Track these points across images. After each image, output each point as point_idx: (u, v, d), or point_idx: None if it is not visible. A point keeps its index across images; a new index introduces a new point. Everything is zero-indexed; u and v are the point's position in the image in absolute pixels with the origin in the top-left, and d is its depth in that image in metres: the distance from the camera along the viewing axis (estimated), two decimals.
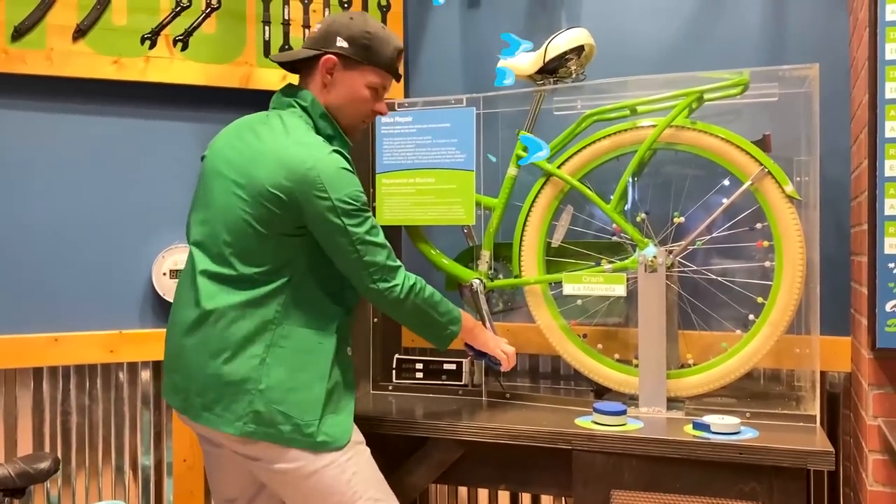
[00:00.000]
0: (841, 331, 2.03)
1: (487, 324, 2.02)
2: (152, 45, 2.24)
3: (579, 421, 1.84)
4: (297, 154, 1.59)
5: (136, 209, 2.29)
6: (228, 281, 1.61)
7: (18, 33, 2.13)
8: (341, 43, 1.65)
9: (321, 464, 1.59)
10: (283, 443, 1.58)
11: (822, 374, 2.03)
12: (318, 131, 1.67)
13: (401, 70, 1.79)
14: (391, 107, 2.15)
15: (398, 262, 1.66)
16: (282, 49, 2.35)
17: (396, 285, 1.63)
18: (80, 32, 2.18)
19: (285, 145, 1.61)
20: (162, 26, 2.25)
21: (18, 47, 2.13)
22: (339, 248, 1.60)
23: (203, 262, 1.64)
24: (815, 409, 1.79)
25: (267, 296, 1.60)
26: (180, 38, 2.27)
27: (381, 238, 1.64)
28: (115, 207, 2.27)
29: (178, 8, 2.26)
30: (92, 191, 2.25)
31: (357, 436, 1.68)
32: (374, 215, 2.11)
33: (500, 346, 1.88)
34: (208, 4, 2.29)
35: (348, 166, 1.62)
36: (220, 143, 1.74)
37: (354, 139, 1.76)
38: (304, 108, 1.68)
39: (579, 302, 2.07)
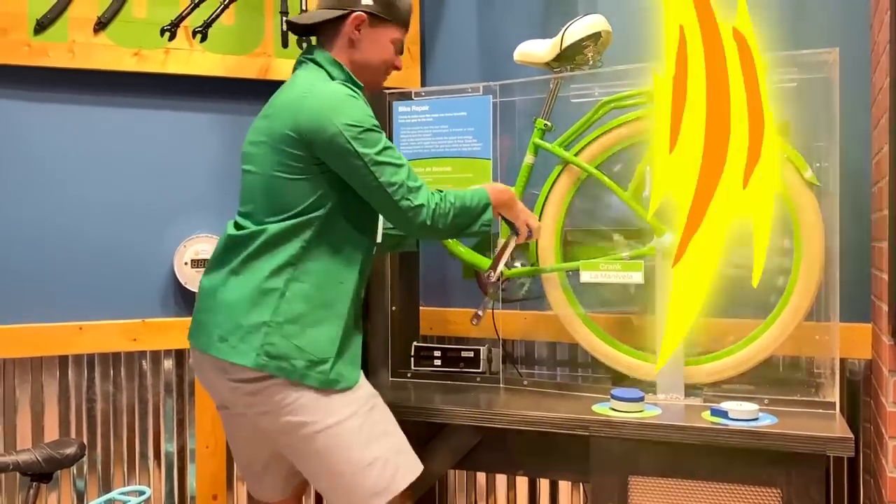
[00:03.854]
0: (861, 318, 2.01)
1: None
2: (172, 37, 2.27)
3: (597, 408, 1.84)
4: (300, 92, 1.64)
5: (158, 199, 2.32)
6: (256, 224, 1.65)
7: (41, 27, 2.16)
8: (367, 0, 1.69)
9: (333, 420, 1.59)
10: (296, 377, 1.58)
11: (842, 361, 2.01)
12: (331, 78, 1.69)
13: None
14: (408, 96, 2.17)
15: (420, 182, 1.64)
16: (300, 40, 2.36)
17: (421, 206, 1.61)
18: (100, 25, 2.21)
19: (292, 90, 1.67)
20: (181, 18, 2.27)
21: (41, 40, 2.16)
22: (356, 173, 1.59)
23: (235, 226, 1.70)
24: (834, 395, 1.79)
25: (293, 231, 1.62)
26: (199, 29, 2.29)
27: (397, 157, 1.63)
28: (136, 198, 2.30)
29: (198, 0, 2.28)
30: (114, 182, 2.28)
31: (368, 388, 1.70)
32: None
33: (527, 219, 1.84)
34: None
35: (353, 93, 1.63)
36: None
37: (375, 91, 1.79)
38: (314, 62, 1.72)
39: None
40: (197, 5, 2.28)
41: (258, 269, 1.62)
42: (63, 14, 2.18)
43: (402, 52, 1.80)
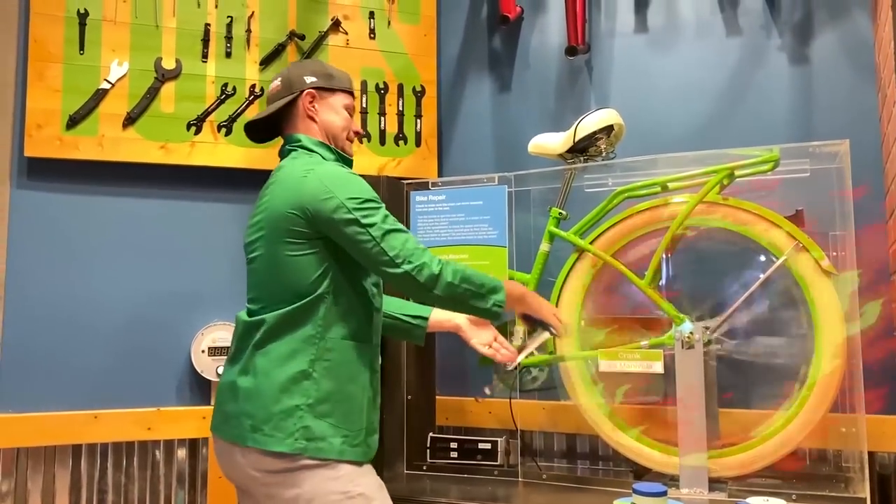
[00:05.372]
0: (889, 409, 1.97)
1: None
2: (198, 131, 2.35)
3: (618, 502, 1.79)
4: (297, 173, 1.69)
5: (178, 287, 2.34)
6: (266, 309, 1.67)
7: (73, 122, 2.25)
8: (310, 79, 1.80)
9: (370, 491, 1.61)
10: (335, 455, 1.59)
11: (871, 454, 1.95)
12: (324, 160, 1.75)
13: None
14: (425, 186, 2.21)
15: (423, 247, 1.66)
16: None
17: (424, 264, 1.63)
18: (129, 120, 2.30)
19: (289, 174, 1.71)
20: (207, 113, 2.36)
21: (72, 134, 2.25)
22: (358, 242, 1.62)
23: (246, 312, 1.72)
24: (864, 491, 1.73)
25: (306, 310, 1.64)
26: (224, 123, 2.37)
27: (399, 224, 1.66)
28: (157, 286, 2.33)
29: (223, 96, 2.38)
30: (136, 270, 2.32)
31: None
32: None
33: (553, 311, 1.85)
34: (251, 92, 2.40)
35: (350, 171, 1.70)
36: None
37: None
38: (301, 146, 1.78)
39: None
40: (223, 101, 2.37)
41: (280, 353, 1.63)
42: (95, 110, 2.27)
43: (352, 118, 1.86)
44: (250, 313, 1.71)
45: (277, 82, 1.83)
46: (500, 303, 1.70)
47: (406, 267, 1.62)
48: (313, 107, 1.79)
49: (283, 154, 1.82)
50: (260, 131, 1.86)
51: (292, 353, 1.62)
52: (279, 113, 1.80)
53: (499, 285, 1.72)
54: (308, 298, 1.64)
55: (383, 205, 1.67)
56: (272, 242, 1.67)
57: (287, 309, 1.64)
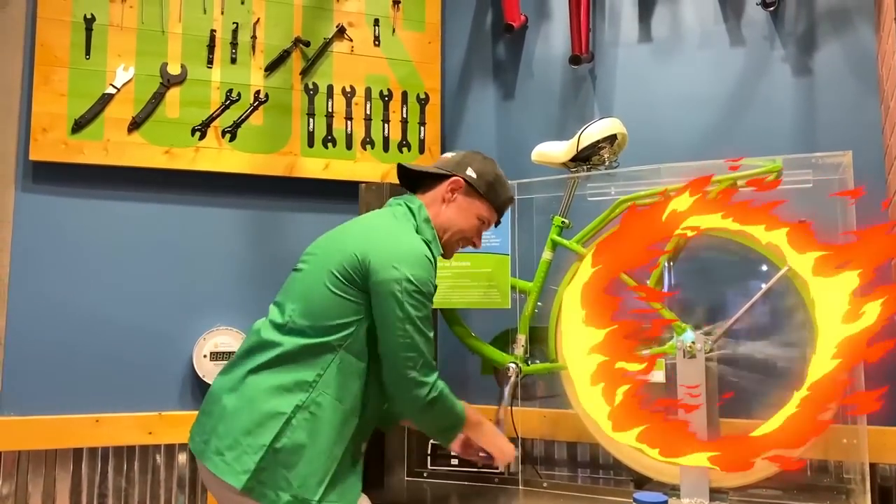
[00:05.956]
0: (890, 421, 1.96)
1: (501, 412, 1.99)
2: (202, 136, 2.36)
3: None
4: (387, 229, 1.70)
5: (181, 292, 2.35)
6: (282, 330, 1.63)
7: (78, 126, 2.26)
8: (471, 172, 1.80)
9: None
10: None
11: (873, 466, 1.94)
12: (417, 231, 1.73)
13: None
14: None
15: (435, 364, 1.65)
16: (325, 140, 2.46)
17: (427, 384, 1.62)
18: (135, 125, 2.31)
19: (378, 220, 1.73)
20: (212, 118, 2.37)
21: (77, 139, 2.26)
22: (387, 319, 1.59)
23: (264, 326, 1.67)
24: (866, 502, 1.72)
25: (316, 352, 1.60)
26: (229, 129, 2.38)
27: (429, 331, 1.63)
28: (160, 290, 2.34)
29: (228, 101, 2.39)
30: (140, 274, 2.33)
31: None
32: None
33: (498, 442, 1.80)
34: (256, 98, 2.41)
35: (430, 256, 1.67)
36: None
37: (444, 258, 1.84)
38: (410, 209, 1.77)
39: None
40: (227, 106, 2.38)
41: (271, 385, 1.58)
42: (100, 115, 2.28)
43: (481, 234, 1.85)
44: (270, 325, 1.66)
45: (452, 154, 1.84)
46: (455, 437, 1.75)
47: (412, 374, 1.60)
48: (452, 194, 1.79)
49: (390, 203, 1.81)
50: (406, 178, 1.86)
51: (282, 390, 1.57)
52: (426, 178, 1.81)
53: (461, 422, 1.72)
54: (320, 339, 1.60)
55: (431, 303, 1.65)
56: (324, 266, 1.65)
57: (298, 344, 1.60)
